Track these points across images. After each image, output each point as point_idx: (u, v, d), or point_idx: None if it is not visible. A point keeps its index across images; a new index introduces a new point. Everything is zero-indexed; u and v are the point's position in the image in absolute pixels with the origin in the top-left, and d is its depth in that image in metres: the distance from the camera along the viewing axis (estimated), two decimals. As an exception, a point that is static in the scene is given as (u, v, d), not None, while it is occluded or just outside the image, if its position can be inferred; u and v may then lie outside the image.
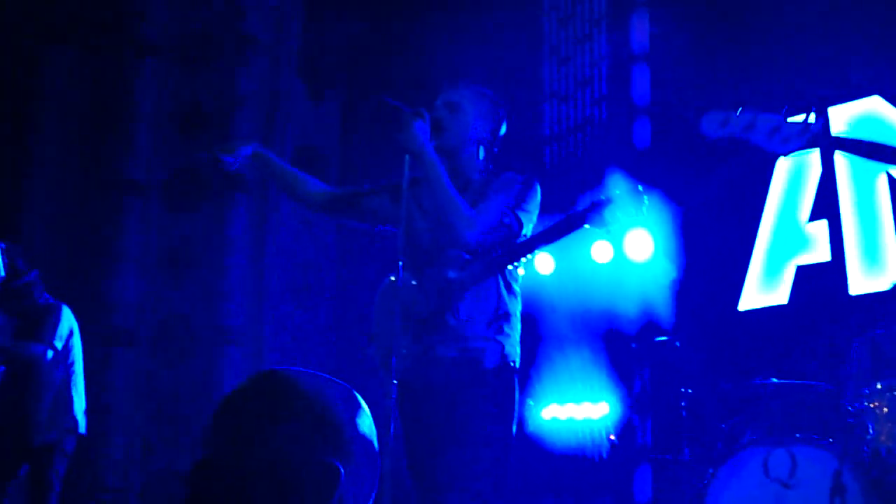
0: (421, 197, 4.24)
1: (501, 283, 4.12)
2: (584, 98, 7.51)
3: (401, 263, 3.97)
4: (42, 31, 8.53)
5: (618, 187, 4.01)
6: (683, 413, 6.04)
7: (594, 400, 7.57)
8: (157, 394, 8.20)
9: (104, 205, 8.41)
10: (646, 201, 3.99)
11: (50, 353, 6.23)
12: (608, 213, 3.95)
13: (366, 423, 1.93)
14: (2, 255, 6.13)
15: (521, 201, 4.16)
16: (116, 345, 8.14)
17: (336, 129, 8.79)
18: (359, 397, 1.96)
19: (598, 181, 4.13)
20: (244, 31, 8.35)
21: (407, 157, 3.95)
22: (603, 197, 3.97)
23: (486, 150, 4.30)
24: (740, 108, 3.43)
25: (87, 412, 6.59)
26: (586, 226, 3.97)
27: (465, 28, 7.73)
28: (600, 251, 7.62)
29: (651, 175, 6.45)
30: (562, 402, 7.71)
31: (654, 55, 7.26)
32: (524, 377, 5.51)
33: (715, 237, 7.20)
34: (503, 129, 4.36)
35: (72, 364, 6.47)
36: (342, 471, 1.81)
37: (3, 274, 6.12)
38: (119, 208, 8.33)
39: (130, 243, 8.31)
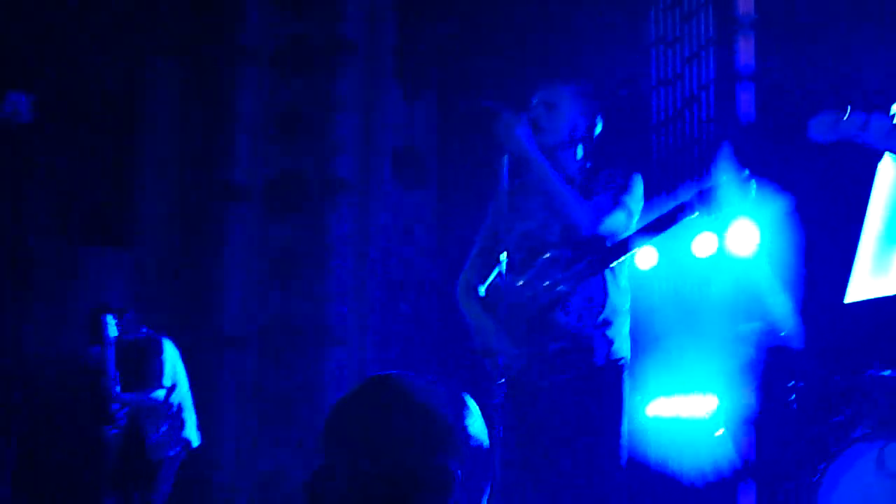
0: (526, 198, 4.25)
1: (609, 279, 4.11)
2: (691, 118, 7.40)
3: (504, 264, 3.98)
4: (144, 43, 8.73)
5: (724, 174, 3.96)
6: (794, 406, 5.94)
7: (702, 392, 7.46)
8: (266, 395, 8.32)
9: (209, 210, 8.58)
10: (753, 187, 3.93)
11: (163, 393, 6.52)
12: (714, 201, 3.89)
13: (476, 424, 1.94)
14: (115, 320, 6.47)
15: (625, 196, 4.14)
16: (224, 349, 8.29)
17: (434, 128, 8.82)
18: (468, 399, 1.97)
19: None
20: (340, 35, 8.43)
21: (505, 159, 3.94)
22: (709, 185, 3.92)
23: (584, 148, 4.29)
24: (849, 109, 3.34)
25: (199, 417, 6.81)
26: (693, 215, 3.92)
27: (563, 27, 7.70)
28: (703, 244, 7.51)
29: (756, 164, 6.38)
30: (669, 394, 7.63)
31: (760, 74, 7.13)
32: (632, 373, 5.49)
33: (820, 227, 7.04)
34: (600, 127, 4.33)
35: (179, 391, 6.71)
36: (457, 473, 1.82)
37: (115, 334, 6.45)
38: (223, 213, 8.49)
39: (235, 247, 8.45)
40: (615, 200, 4.10)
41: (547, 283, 4.03)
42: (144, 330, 6.77)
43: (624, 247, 4.05)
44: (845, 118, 3.34)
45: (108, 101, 8.67)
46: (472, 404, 1.97)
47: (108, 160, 8.75)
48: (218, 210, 8.51)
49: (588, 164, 4.30)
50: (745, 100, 7.21)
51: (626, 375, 4.12)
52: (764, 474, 6.39)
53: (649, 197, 4.36)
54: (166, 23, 8.74)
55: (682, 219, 3.93)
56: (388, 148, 8.57)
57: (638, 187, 4.20)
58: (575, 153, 4.27)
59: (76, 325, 7.49)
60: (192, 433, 6.78)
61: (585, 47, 7.63)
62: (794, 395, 5.96)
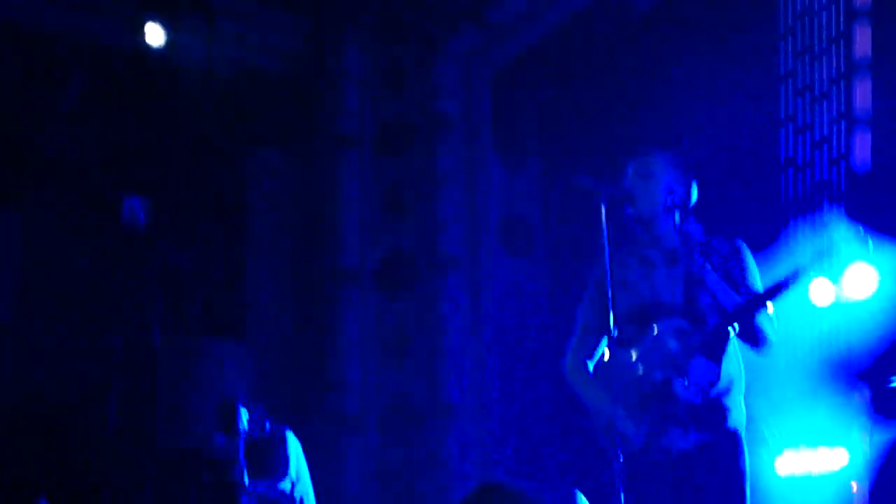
0: (629, 271, 4.24)
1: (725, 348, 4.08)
2: (821, 162, 7.28)
3: (615, 337, 3.95)
4: (246, 137, 8.99)
5: (837, 231, 3.90)
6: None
7: (830, 445, 7.28)
8: (387, 473, 8.36)
9: (321, 294, 8.73)
10: (869, 243, 3.86)
11: (289, 485, 6.61)
12: (830, 262, 3.84)
13: None
14: (247, 414, 6.62)
15: (743, 268, 4.15)
16: (345, 431, 8.38)
17: (537, 196, 8.85)
18: (580, 499, 1.98)
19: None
20: (437, 111, 8.56)
21: (604, 235, 3.92)
22: (824, 246, 3.86)
23: (681, 216, 4.27)
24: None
25: (322, 499, 6.89)
26: (810, 278, 3.88)
27: (667, 83, 7.69)
28: (820, 291, 7.37)
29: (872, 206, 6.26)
30: (797, 447, 7.45)
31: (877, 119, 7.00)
32: (755, 427, 5.37)
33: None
34: (696, 194, 4.32)
35: (303, 484, 6.80)
36: None
37: (245, 428, 6.60)
38: (335, 297, 8.62)
39: (350, 329, 8.57)
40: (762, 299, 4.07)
41: (663, 355, 4.00)
42: (269, 423, 6.89)
43: (741, 315, 3.99)
44: None
45: (217, 195, 8.93)
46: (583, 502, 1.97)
47: (220, 252, 8.98)
48: (330, 294, 8.66)
49: (687, 230, 4.28)
50: (862, 145, 7.08)
51: (744, 444, 4.06)
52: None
53: (776, 239, 4.31)
54: (268, 116, 8.99)
55: (799, 283, 3.89)
56: (494, 219, 8.63)
57: (752, 263, 4.18)
58: (673, 221, 4.25)
59: (199, 416, 7.67)
60: None
61: (684, 105, 7.60)
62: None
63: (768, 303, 4.01)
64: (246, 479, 6.59)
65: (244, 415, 6.67)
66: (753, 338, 4.06)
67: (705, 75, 7.56)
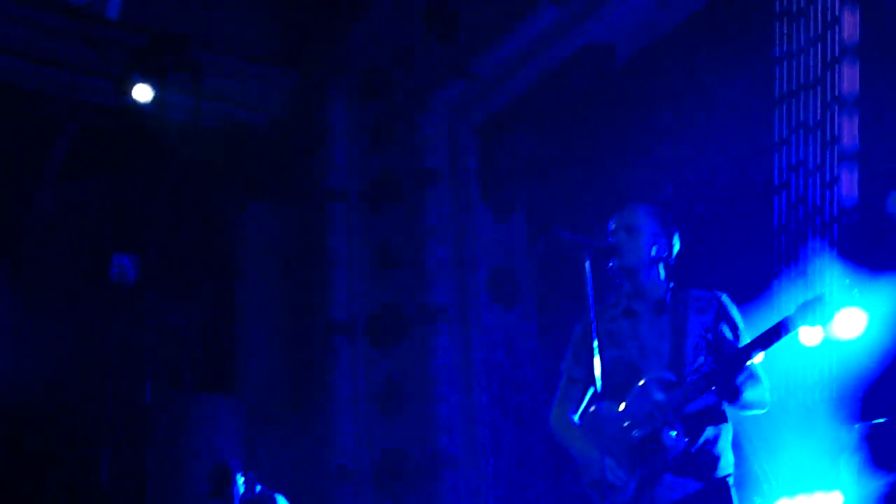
0: (614, 324, 4.28)
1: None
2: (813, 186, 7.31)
3: (600, 390, 3.99)
4: (234, 193, 9.04)
5: (825, 284, 3.95)
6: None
7: (826, 489, 7.25)
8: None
9: (312, 348, 8.74)
10: (856, 294, 3.90)
11: None
12: (820, 313, 3.87)
13: None
14: (243, 478, 6.63)
15: (728, 320, 4.18)
16: (338, 484, 8.36)
17: (525, 248, 8.88)
18: None
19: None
20: (424, 165, 8.61)
21: (588, 290, 3.95)
22: (811, 297, 3.90)
23: (665, 268, 4.32)
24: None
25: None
26: (799, 328, 3.91)
27: (652, 129, 7.74)
28: (809, 334, 7.38)
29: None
30: (791, 494, 7.43)
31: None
32: (749, 473, 5.37)
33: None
34: (678, 245, 4.37)
35: None
36: None
37: (241, 492, 6.60)
38: (327, 350, 8.64)
39: (342, 382, 8.58)
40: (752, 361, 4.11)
41: (649, 408, 4.01)
42: (259, 488, 6.86)
43: (730, 367, 4.01)
44: None
45: (207, 250, 8.97)
46: None
47: (212, 309, 9.00)
48: (321, 348, 8.67)
49: (672, 284, 4.33)
50: (848, 181, 7.10)
51: (733, 491, 4.08)
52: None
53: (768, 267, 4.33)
54: (256, 172, 9.05)
55: (788, 333, 3.92)
56: (483, 270, 8.64)
57: (737, 315, 4.22)
58: (658, 273, 4.30)
59: (191, 477, 7.66)
60: None
61: (667, 153, 7.64)
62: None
63: (755, 356, 4.04)
64: None
65: (240, 480, 6.64)
66: (733, 395, 4.03)
67: (687, 121, 7.62)
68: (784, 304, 4.02)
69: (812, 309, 3.86)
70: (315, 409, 8.65)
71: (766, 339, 3.97)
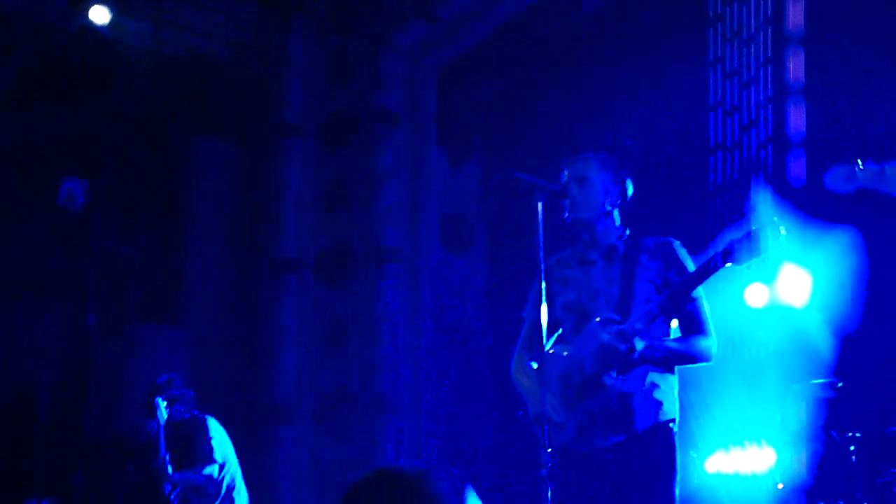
0: (567, 268, 4.30)
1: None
2: (749, 143, 7.36)
3: (557, 333, 4.00)
4: (189, 123, 8.91)
5: (756, 222, 3.94)
6: (853, 458, 5.85)
7: (760, 445, 7.37)
8: (323, 467, 8.33)
9: (259, 284, 8.68)
10: (783, 233, 3.89)
11: (216, 469, 6.52)
12: (748, 250, 3.86)
13: None
14: (165, 402, 6.52)
15: (677, 265, 4.20)
16: (280, 422, 8.34)
17: (479, 194, 8.87)
18: (468, 488, 2.01)
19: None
20: (381, 106, 8.54)
21: (539, 233, 3.96)
22: (741, 234, 3.90)
23: (621, 215, 4.34)
24: (860, 162, 3.36)
25: (255, 492, 6.83)
26: (728, 265, 3.90)
27: (610, 83, 7.74)
28: (755, 294, 7.46)
29: (809, 209, 6.33)
30: (727, 448, 7.54)
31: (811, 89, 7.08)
32: (686, 427, 5.42)
33: (877, 270, 6.95)
34: (631, 191, 4.38)
35: (229, 468, 6.71)
36: None
37: (165, 417, 6.50)
38: (274, 287, 8.58)
39: (288, 320, 8.53)
40: (699, 306, 4.16)
41: (594, 349, 4.03)
42: (195, 412, 6.79)
43: (667, 306, 4.04)
44: (860, 169, 3.35)
45: (157, 182, 8.85)
46: (472, 494, 2.00)
47: (160, 239, 8.91)
48: (269, 284, 8.61)
49: (627, 231, 4.34)
50: (797, 165, 7.17)
51: (676, 437, 4.10)
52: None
53: (705, 228, 4.35)
54: (211, 104, 8.92)
55: (723, 265, 3.91)
56: (435, 215, 8.63)
57: (687, 259, 4.23)
58: (613, 222, 4.32)
59: (133, 403, 7.59)
60: None
61: (626, 104, 7.65)
62: (853, 447, 5.87)
63: (693, 289, 4.06)
64: (169, 470, 6.49)
65: (161, 405, 6.55)
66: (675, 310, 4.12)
67: (646, 74, 7.64)
68: (725, 237, 4.00)
69: (747, 242, 3.83)
70: (260, 344, 8.60)
71: (696, 278, 3.99)
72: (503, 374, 4.54)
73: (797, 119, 7.05)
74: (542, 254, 3.98)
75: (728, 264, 3.87)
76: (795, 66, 7.12)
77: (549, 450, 3.76)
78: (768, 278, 7.11)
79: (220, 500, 6.61)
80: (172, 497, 6.46)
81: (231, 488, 6.68)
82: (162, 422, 6.51)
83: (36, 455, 7.69)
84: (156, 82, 8.43)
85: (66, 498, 7.34)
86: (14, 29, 8.28)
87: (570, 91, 8.10)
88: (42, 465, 7.66)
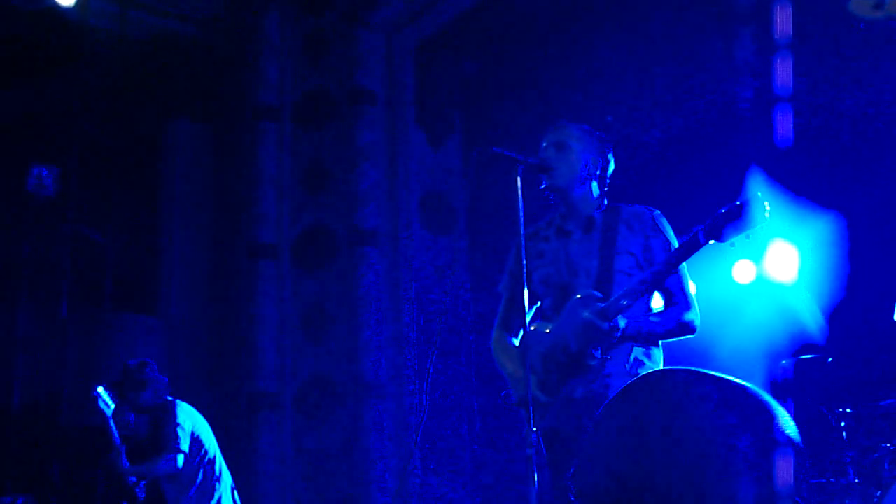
0: (544, 242, 4.22)
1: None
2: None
3: (536, 309, 3.88)
4: (162, 106, 8.75)
5: (739, 198, 3.81)
6: (844, 434, 5.74)
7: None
8: (305, 453, 8.21)
9: (238, 269, 8.53)
10: (768, 208, 3.76)
11: (181, 458, 6.29)
12: (733, 226, 3.73)
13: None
14: (108, 392, 6.34)
15: (659, 237, 4.10)
16: (261, 408, 8.21)
17: (459, 173, 8.74)
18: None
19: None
20: (358, 86, 8.38)
21: (519, 205, 3.84)
22: (725, 209, 3.77)
23: (599, 187, 4.26)
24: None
25: (238, 480, 6.67)
26: (711, 242, 3.78)
27: (592, 58, 7.63)
28: (743, 270, 7.39)
29: (794, 178, 6.23)
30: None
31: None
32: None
33: (865, 243, 6.86)
34: (612, 165, 4.31)
35: (207, 454, 6.50)
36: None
37: (112, 406, 6.31)
38: (253, 272, 8.43)
39: (266, 304, 8.38)
40: (681, 278, 4.07)
41: (576, 327, 3.90)
42: (167, 397, 6.59)
43: (650, 283, 3.91)
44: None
45: (130, 166, 8.69)
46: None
47: (134, 226, 8.75)
48: (247, 269, 8.45)
49: (605, 202, 4.25)
50: (784, 121, 7.06)
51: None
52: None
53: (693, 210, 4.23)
54: (187, 87, 8.76)
55: (706, 241, 3.78)
56: (415, 195, 8.49)
57: (669, 231, 4.14)
58: (591, 191, 4.23)
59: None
60: (226, 498, 6.58)
61: (605, 80, 7.54)
62: (843, 423, 5.76)
63: (679, 263, 3.94)
64: (124, 462, 6.29)
65: (104, 395, 6.33)
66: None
67: (626, 49, 7.53)
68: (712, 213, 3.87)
69: (732, 217, 3.69)
70: (239, 331, 8.45)
71: (679, 256, 3.88)
72: (488, 354, 4.47)
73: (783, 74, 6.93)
74: (521, 227, 3.86)
75: (711, 241, 3.74)
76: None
77: (535, 430, 3.63)
78: (756, 254, 7.03)
79: (196, 487, 6.43)
80: (137, 490, 6.29)
81: (211, 475, 6.49)
82: (108, 412, 6.30)
83: (11, 447, 7.54)
84: (126, 64, 8.28)
85: (42, 489, 7.20)
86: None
87: (551, 67, 7.98)
88: (17, 457, 7.52)
